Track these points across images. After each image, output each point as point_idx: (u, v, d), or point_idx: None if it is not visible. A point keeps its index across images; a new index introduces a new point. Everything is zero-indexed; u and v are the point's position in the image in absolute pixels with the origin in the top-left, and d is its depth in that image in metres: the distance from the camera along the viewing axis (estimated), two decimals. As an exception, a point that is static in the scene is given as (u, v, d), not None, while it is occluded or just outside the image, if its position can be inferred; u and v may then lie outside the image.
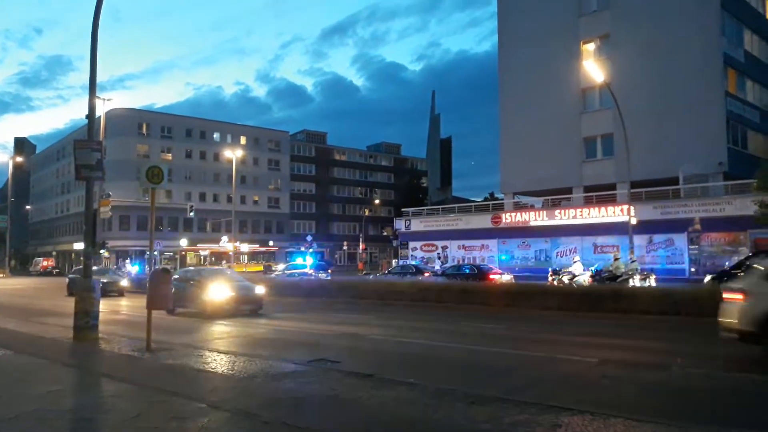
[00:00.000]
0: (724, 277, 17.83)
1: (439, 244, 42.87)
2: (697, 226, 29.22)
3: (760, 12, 40.35)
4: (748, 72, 37.64)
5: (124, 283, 29.83)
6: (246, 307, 18.01)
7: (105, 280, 26.16)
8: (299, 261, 44.64)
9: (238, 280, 19.75)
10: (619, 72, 35.09)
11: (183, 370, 8.79)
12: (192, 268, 32.90)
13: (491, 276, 26.71)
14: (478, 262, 37.42)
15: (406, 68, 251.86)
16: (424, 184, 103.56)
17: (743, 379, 8.14)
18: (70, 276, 30.83)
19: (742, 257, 21.23)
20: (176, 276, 17.77)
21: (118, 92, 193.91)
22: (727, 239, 30.46)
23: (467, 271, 28.55)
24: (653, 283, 22.43)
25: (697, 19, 34.70)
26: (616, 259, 24.79)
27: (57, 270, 73.01)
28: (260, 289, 18.87)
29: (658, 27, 35.53)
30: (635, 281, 21.92)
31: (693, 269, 30.47)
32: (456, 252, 41.65)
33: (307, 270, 36.11)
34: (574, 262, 27.02)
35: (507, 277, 27.39)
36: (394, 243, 51.37)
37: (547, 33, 40.88)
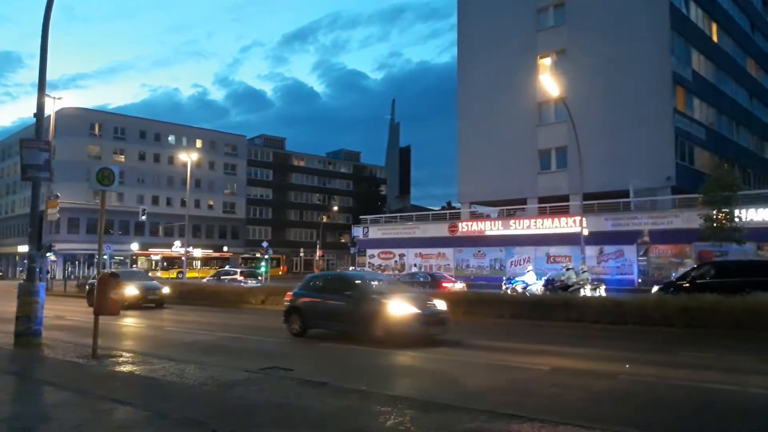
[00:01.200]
0: (670, 287, 18.40)
1: (397, 251, 43.03)
2: (646, 238, 30.14)
3: (707, 34, 42.06)
4: (696, 91, 39.14)
5: (167, 290, 24.56)
6: (150, 303, 23.26)
7: (140, 286, 23.31)
8: (227, 268, 47.36)
9: (146, 280, 25.50)
10: (574, 87, 35.99)
11: (130, 378, 8.55)
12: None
13: (444, 284, 27.03)
14: (434, 270, 37.72)
15: (367, 76, 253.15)
16: (383, 192, 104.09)
17: (688, 386, 8.38)
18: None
19: (688, 269, 21.99)
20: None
21: (70, 91, 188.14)
22: (674, 251, 31.48)
23: (421, 278, 28.81)
24: (603, 293, 22.98)
25: (649, 38, 35.94)
26: (567, 269, 25.39)
27: (1, 273, 70.25)
28: (166, 289, 24.62)
29: (612, 44, 36.64)
30: (586, 291, 22.44)
31: (641, 280, 31.39)
32: (413, 260, 41.87)
33: (237, 276, 36.90)
34: (527, 272, 27.68)
35: (459, 285, 27.74)
36: (352, 250, 51.33)
37: (505, 46, 41.69)
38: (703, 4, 41.36)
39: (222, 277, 37.26)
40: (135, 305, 22.01)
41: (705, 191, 25.86)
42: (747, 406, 7.34)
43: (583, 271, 24.10)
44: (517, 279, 27.89)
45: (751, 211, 28.54)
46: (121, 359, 10.01)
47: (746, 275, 16.74)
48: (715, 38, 43.13)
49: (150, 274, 52.71)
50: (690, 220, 28.83)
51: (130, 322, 17.79)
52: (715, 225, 24.93)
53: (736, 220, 25.07)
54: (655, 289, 19.76)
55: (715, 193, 25.04)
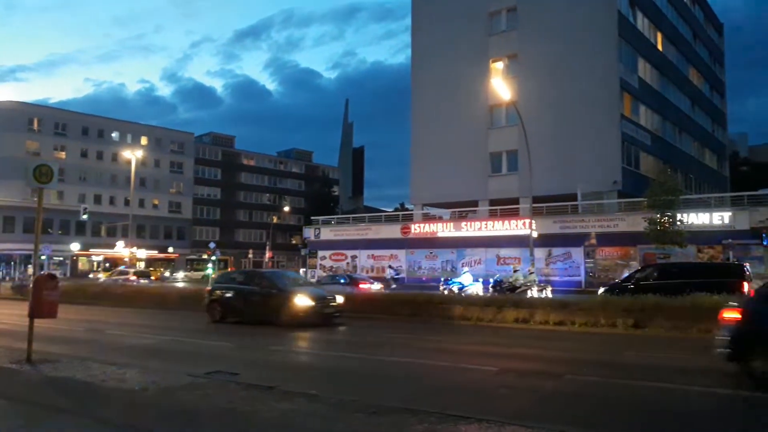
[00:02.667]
0: (615, 289, 18.90)
1: (349, 253, 42.83)
2: (593, 241, 30.90)
3: (653, 43, 43.54)
4: (642, 97, 40.44)
5: (341, 299, 18.01)
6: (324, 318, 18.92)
7: (313, 295, 17.20)
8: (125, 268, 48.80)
9: (311, 286, 24.02)
10: (525, 91, 36.62)
11: (68, 383, 8.14)
12: None
13: (361, 284, 27.79)
14: (387, 271, 37.81)
15: (320, 75, 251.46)
16: (336, 193, 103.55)
17: (633, 386, 8.54)
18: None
19: (632, 270, 22.69)
20: None
21: (8, 84, 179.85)
22: (620, 253, 32.37)
23: (342, 280, 29.36)
24: (549, 294, 23.44)
25: (597, 45, 36.93)
26: (515, 271, 25.93)
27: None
28: (340, 298, 21.64)
29: (562, 50, 37.48)
30: (533, 292, 22.89)
31: (588, 281, 32.16)
32: (365, 261, 41.76)
33: (129, 276, 39.38)
34: (464, 273, 28.53)
35: (376, 287, 28.44)
36: (303, 252, 50.84)
37: (458, 49, 42.13)
38: (650, 14, 42.81)
39: (115, 277, 39.57)
40: (308, 320, 16.35)
41: (649, 195, 26.70)
42: (689, 404, 7.51)
43: (531, 273, 24.59)
44: (453, 280, 28.68)
45: (692, 215, 29.61)
46: (59, 364, 9.53)
47: (687, 277, 17.47)
48: (660, 47, 44.70)
49: (92, 275, 51.37)
50: (635, 223, 29.69)
51: (66, 325, 17.05)
52: (658, 228, 25.77)
53: (678, 223, 25.96)
54: (601, 290, 20.25)
55: (658, 198, 25.88)
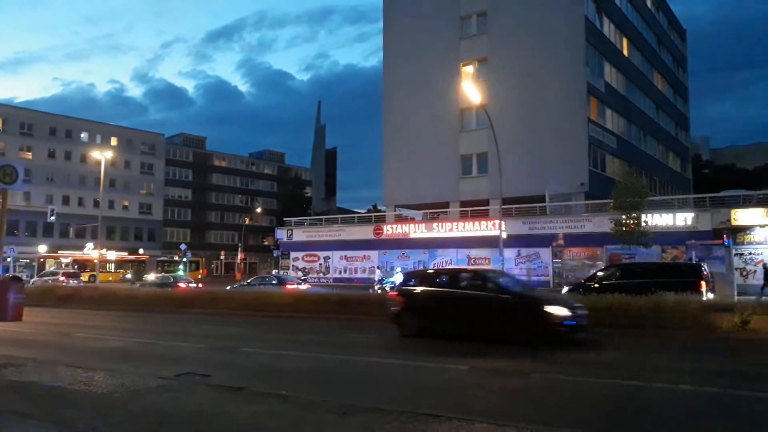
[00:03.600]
0: (579, 288, 19.29)
1: (321, 254, 42.78)
2: (561, 241, 31.37)
3: (619, 48, 44.42)
4: (608, 101, 41.24)
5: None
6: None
7: (567, 304, 13.36)
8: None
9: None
10: (495, 94, 37.09)
11: (33, 388, 8.02)
12: None
13: (288, 285, 28.48)
14: (359, 273, 37.97)
15: (293, 77, 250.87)
16: (308, 194, 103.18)
17: (599, 383, 8.76)
18: None
19: (597, 270, 23.19)
20: None
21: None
22: (587, 253, 32.97)
23: (273, 281, 29.94)
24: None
25: (565, 50, 37.57)
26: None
27: None
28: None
29: (531, 54, 38.05)
30: None
31: (556, 281, 32.67)
32: (338, 262, 41.75)
33: (59, 277, 41.59)
34: (396, 273, 30.03)
35: (303, 287, 29.21)
36: (275, 253, 50.57)
37: (429, 52, 42.45)
38: (616, 20, 43.69)
39: (45, 278, 41.41)
40: (566, 337, 12.75)
41: (615, 197, 27.25)
42: (652, 400, 7.73)
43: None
44: (387, 279, 30.53)
45: (657, 216, 30.38)
46: (24, 368, 9.38)
47: (649, 276, 17.94)
48: (626, 52, 45.62)
49: (60, 277, 50.35)
50: (601, 224, 30.28)
51: (33, 329, 16.76)
52: (624, 229, 26.31)
53: (643, 224, 26.55)
54: (565, 289, 20.60)
55: (624, 199, 26.42)
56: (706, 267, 18.96)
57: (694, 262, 23.05)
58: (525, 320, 12.36)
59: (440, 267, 35.90)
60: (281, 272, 43.52)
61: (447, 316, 13.60)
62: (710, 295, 17.17)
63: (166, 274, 44.70)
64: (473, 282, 14.07)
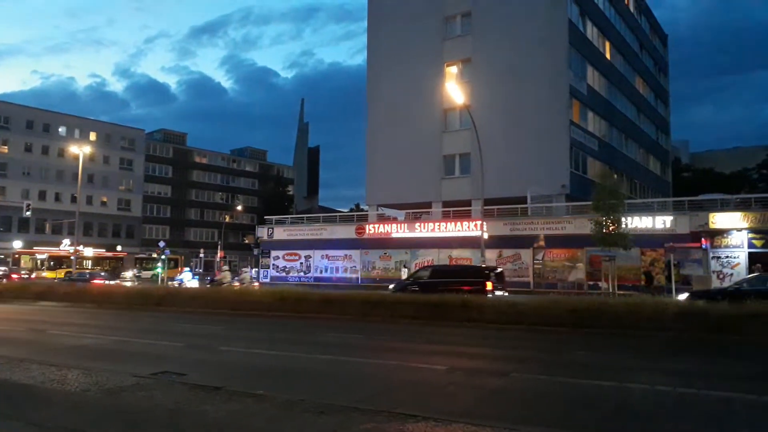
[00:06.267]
0: (401, 286, 23.54)
1: (303, 253, 42.53)
2: (542, 243, 31.53)
3: (601, 51, 44.81)
4: (590, 104, 41.56)
5: None
6: None
7: None
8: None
9: None
10: (478, 95, 37.17)
11: (3, 386, 7.86)
12: None
13: (95, 281, 30.76)
14: (340, 272, 37.87)
15: (277, 74, 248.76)
16: (290, 192, 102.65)
17: (577, 384, 8.80)
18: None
19: (414, 270, 26.96)
20: None
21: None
22: (567, 255, 33.17)
23: (85, 276, 31.99)
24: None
25: (548, 52, 37.77)
26: (225, 270, 31.77)
27: None
28: None
29: (515, 56, 38.20)
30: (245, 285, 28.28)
31: (537, 282, 32.87)
32: (319, 261, 41.57)
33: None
34: (184, 272, 35.71)
35: (112, 283, 31.33)
36: (255, 251, 50.24)
37: (413, 52, 42.45)
38: (599, 24, 44.05)
39: None
40: None
41: (595, 199, 27.44)
42: (626, 399, 7.78)
43: (244, 272, 29.38)
44: (177, 277, 35.83)
45: (636, 218, 30.64)
46: (-6, 365, 9.19)
47: (450, 277, 22.87)
48: (608, 56, 46.03)
49: (35, 274, 49.60)
50: (582, 226, 30.46)
51: (6, 326, 16.47)
52: (604, 231, 26.49)
53: (623, 226, 26.77)
54: (391, 287, 24.58)
55: (604, 201, 26.61)
56: (498, 270, 24.15)
57: (493, 266, 27.18)
58: None
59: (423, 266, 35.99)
60: (263, 270, 43.23)
61: None
62: (498, 293, 21.26)
63: (83, 271, 48.32)
64: None
